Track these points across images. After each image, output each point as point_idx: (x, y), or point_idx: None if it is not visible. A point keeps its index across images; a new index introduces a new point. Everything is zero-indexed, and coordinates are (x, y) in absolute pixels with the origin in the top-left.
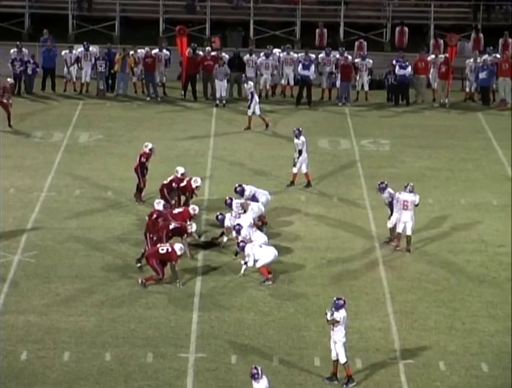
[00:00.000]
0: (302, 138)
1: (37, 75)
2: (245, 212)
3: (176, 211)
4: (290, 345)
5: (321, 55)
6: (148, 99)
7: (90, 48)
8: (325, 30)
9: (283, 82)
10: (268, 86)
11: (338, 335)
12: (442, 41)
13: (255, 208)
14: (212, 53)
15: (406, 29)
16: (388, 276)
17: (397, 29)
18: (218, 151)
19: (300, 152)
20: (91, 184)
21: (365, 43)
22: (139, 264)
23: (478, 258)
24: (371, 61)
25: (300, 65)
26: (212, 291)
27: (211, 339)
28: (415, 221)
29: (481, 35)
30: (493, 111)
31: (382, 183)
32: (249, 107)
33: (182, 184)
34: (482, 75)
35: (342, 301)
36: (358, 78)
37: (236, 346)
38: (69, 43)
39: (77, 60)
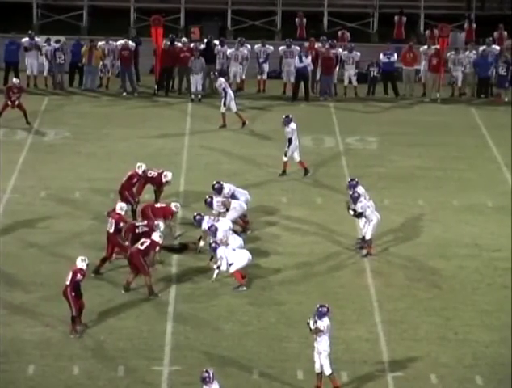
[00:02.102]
0: (292, 125)
1: None
2: (227, 210)
3: (158, 205)
4: (271, 357)
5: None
6: (124, 94)
7: (36, 39)
8: (305, 20)
9: (259, 77)
10: (239, 80)
11: (323, 345)
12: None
13: (237, 207)
14: (191, 45)
15: (405, 19)
16: (376, 283)
17: (396, 19)
18: (194, 150)
19: (290, 140)
20: (58, 185)
21: (348, 34)
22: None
23: (472, 263)
24: (358, 54)
25: (297, 58)
26: (188, 299)
27: (187, 351)
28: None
29: (474, 25)
30: (487, 106)
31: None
32: (224, 105)
33: (150, 175)
34: (482, 66)
35: (325, 309)
36: (344, 71)
37: (213, 358)
38: (34, 34)
39: (26, 49)
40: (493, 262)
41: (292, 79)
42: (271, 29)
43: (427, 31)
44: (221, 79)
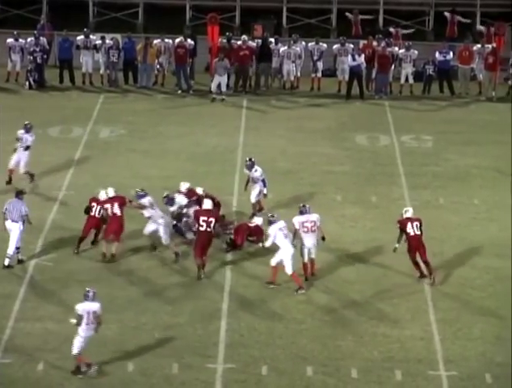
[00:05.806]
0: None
1: (48, 66)
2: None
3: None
4: (325, 355)
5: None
6: (179, 92)
7: (91, 36)
8: (360, 18)
9: (313, 75)
10: (292, 78)
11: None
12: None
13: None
14: (250, 43)
15: (457, 17)
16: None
17: (447, 17)
18: (248, 148)
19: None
20: (113, 183)
21: (402, 32)
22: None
23: None
24: (416, 52)
25: (350, 57)
26: (242, 297)
27: (241, 349)
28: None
29: None
30: None
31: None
32: None
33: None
34: None
35: (88, 292)
36: (402, 70)
37: (267, 356)
38: (90, 31)
39: (78, 47)
40: None
41: (347, 77)
42: (327, 27)
43: (483, 28)
44: None
